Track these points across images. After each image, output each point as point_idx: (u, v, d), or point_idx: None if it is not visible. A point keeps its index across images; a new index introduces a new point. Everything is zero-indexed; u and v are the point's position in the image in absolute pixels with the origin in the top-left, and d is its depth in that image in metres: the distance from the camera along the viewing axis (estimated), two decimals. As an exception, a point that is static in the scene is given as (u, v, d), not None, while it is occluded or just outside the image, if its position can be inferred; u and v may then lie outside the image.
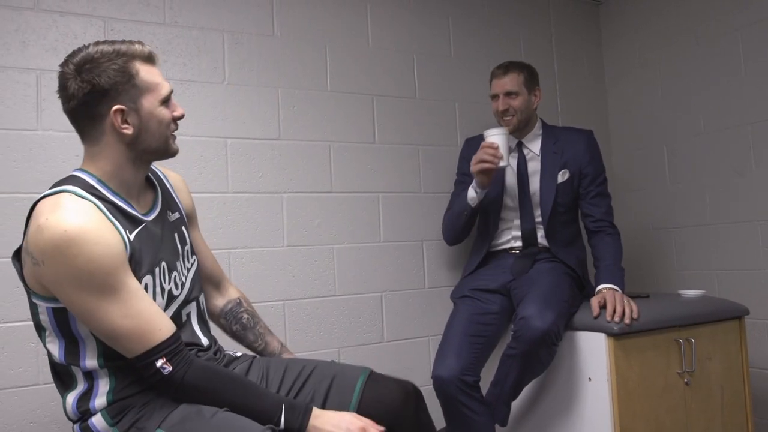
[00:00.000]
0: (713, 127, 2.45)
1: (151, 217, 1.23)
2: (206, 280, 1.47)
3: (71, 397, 1.18)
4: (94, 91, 1.11)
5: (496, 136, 1.97)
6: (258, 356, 1.46)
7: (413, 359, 2.32)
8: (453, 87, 2.52)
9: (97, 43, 1.15)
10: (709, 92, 2.47)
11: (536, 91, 2.16)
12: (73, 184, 1.13)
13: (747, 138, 2.33)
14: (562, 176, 2.11)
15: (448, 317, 2.08)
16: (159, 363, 1.09)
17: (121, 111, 1.13)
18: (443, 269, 2.43)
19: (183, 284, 1.28)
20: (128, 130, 1.14)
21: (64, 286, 1.06)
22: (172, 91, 1.21)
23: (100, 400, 1.16)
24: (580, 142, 2.15)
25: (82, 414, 1.18)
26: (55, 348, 1.16)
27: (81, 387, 1.17)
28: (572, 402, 1.90)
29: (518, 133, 2.15)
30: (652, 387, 1.84)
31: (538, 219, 2.12)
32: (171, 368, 1.10)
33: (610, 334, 1.79)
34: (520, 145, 2.16)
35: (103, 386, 1.16)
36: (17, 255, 1.16)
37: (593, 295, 1.96)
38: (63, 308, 1.12)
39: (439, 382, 1.85)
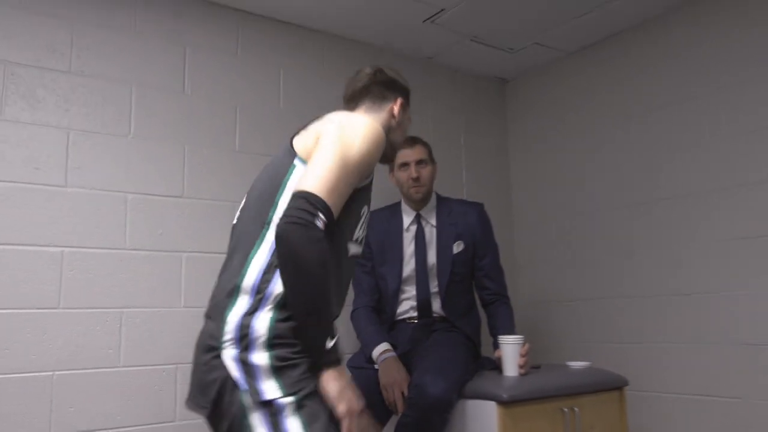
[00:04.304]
0: (605, 206, 2.96)
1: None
2: None
3: (235, 316, 1.38)
4: (397, 83, 1.76)
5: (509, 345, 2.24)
6: None
7: None
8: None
9: None
10: (603, 170, 2.98)
11: (435, 166, 2.56)
12: None
13: (633, 220, 2.84)
14: (457, 247, 2.46)
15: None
16: (319, 219, 1.35)
17: (402, 105, 1.75)
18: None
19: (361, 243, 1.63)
20: (395, 120, 1.73)
21: (342, 139, 1.45)
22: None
23: (262, 323, 1.37)
24: (472, 214, 2.53)
25: (242, 337, 1.36)
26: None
27: (246, 302, 1.39)
28: (463, 470, 2.15)
29: (416, 204, 2.51)
30: (538, 455, 2.10)
31: (434, 289, 2.45)
32: (321, 226, 1.35)
33: (500, 402, 2.04)
34: (418, 217, 2.52)
35: (270, 302, 1.39)
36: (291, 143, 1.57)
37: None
38: None
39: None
